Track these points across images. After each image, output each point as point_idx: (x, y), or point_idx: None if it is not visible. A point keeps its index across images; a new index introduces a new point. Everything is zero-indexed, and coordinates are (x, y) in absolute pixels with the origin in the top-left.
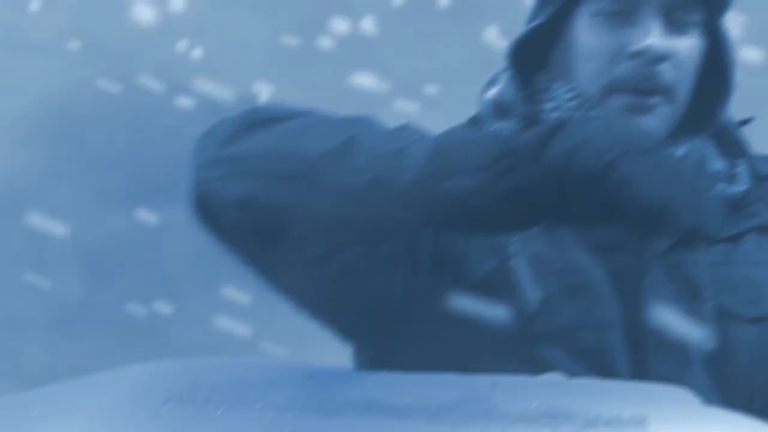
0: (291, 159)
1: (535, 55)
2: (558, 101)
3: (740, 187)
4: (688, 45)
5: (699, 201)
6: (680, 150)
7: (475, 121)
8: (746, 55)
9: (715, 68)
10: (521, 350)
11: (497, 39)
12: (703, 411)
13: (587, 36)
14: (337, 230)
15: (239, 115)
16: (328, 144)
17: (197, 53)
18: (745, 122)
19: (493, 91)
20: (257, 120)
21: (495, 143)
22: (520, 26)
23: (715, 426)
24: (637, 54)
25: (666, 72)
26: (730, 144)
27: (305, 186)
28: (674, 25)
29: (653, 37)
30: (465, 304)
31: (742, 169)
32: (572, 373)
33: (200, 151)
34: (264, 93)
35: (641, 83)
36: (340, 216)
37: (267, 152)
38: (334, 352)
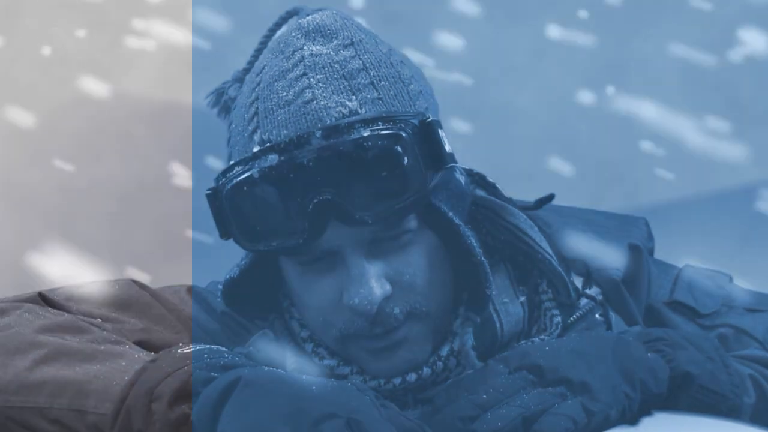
0: None
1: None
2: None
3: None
4: (409, 257)
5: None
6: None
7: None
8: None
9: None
10: None
11: None
12: None
13: (301, 286)
14: None
15: None
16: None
17: None
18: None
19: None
20: None
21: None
22: None
23: None
24: (355, 308)
25: (395, 305)
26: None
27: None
28: (385, 242)
29: (364, 285)
30: None
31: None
32: None
33: None
34: None
35: (374, 329)
36: None
37: None
38: None
